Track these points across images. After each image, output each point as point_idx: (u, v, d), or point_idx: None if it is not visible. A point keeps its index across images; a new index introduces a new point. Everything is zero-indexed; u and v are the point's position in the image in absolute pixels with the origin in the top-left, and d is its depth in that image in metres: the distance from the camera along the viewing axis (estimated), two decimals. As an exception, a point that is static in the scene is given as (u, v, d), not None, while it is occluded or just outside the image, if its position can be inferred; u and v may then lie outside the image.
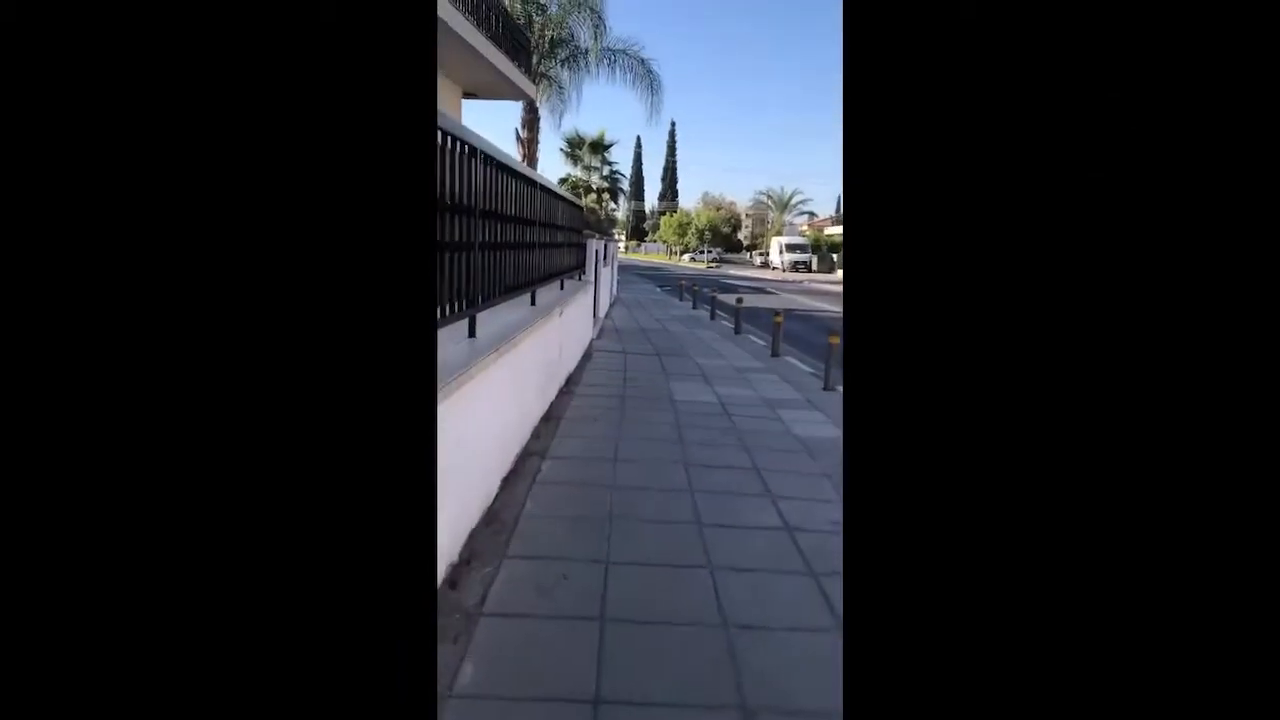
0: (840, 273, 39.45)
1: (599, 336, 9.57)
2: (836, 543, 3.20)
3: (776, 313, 9.09)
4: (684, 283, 19.51)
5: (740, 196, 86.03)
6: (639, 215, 76.10)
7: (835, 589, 2.77)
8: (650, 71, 17.20)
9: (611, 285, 15.56)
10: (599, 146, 32.14)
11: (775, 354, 8.90)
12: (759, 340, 10.39)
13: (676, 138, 75.29)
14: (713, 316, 13.25)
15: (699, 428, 5.10)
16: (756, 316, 12.86)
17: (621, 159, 60.50)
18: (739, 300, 11.46)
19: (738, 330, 11.07)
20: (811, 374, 7.73)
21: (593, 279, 9.38)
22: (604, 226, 24.18)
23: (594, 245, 9.94)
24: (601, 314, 11.34)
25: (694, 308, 15.53)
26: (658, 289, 23.24)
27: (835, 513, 3.61)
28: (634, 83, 17.27)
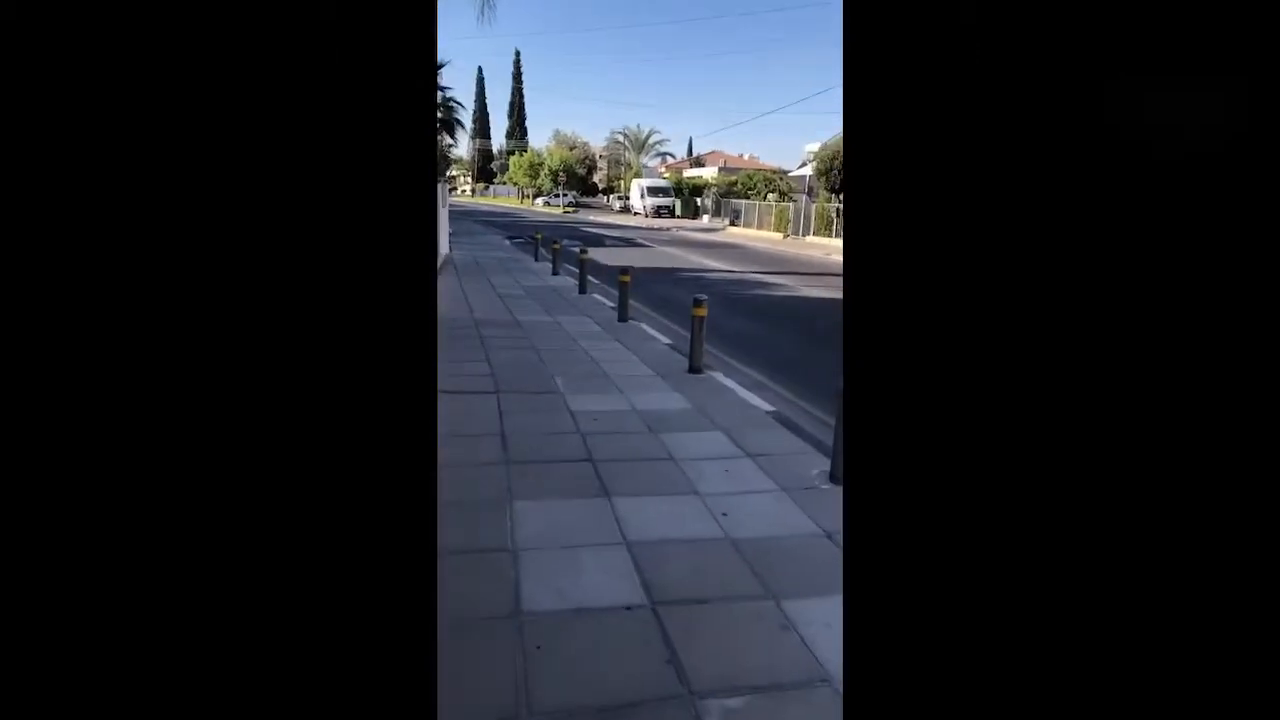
0: (706, 218, 36.75)
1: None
2: None
3: (699, 301, 5.51)
4: (540, 235, 15.53)
5: (593, 136, 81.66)
6: (485, 155, 69.75)
7: None
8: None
9: (437, 243, 11.36)
10: (428, 67, 26.47)
11: (695, 368, 5.45)
12: (656, 334, 6.89)
13: (522, 68, 69.03)
14: (583, 289, 9.53)
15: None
16: (641, 285, 9.34)
17: (459, 86, 54.21)
18: (624, 274, 7.79)
19: (622, 317, 7.50)
20: (770, 415, 4.35)
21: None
22: (437, 166, 19.46)
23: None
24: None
25: (555, 272, 11.70)
26: (506, 241, 19.00)
27: None
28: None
